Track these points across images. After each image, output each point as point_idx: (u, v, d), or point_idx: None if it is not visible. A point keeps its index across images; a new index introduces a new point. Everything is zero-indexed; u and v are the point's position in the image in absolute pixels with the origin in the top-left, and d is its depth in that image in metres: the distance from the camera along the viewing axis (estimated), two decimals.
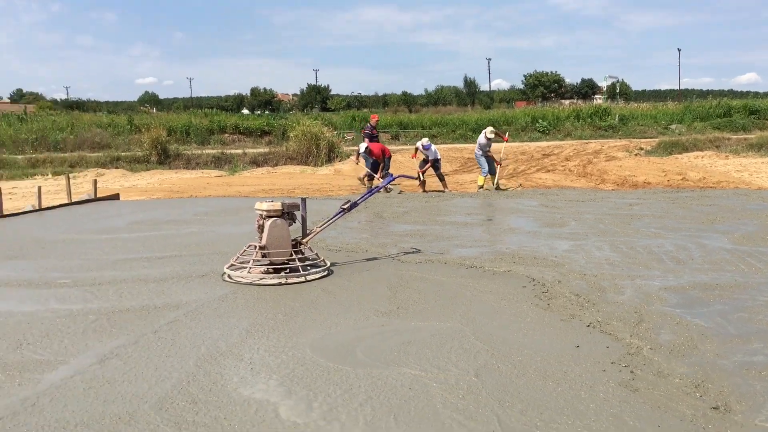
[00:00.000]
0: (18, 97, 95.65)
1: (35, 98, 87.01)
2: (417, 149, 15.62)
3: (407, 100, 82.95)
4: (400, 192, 15.32)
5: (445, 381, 3.63)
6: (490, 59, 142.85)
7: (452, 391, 3.50)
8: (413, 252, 7.32)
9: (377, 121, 17.63)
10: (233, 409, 3.32)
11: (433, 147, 15.40)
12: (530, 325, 4.65)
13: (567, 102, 73.02)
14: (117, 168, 28.42)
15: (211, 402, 3.41)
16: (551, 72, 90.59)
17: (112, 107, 76.29)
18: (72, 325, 4.80)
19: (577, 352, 4.06)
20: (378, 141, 16.84)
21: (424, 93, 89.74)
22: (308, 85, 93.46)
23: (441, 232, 8.75)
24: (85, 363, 4.02)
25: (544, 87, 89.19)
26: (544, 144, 36.40)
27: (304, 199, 6.60)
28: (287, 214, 6.29)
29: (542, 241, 8.00)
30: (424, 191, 15.32)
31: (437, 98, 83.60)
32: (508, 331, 4.52)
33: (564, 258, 6.88)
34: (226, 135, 41.82)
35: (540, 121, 45.63)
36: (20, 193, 18.23)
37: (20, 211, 12.22)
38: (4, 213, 11.68)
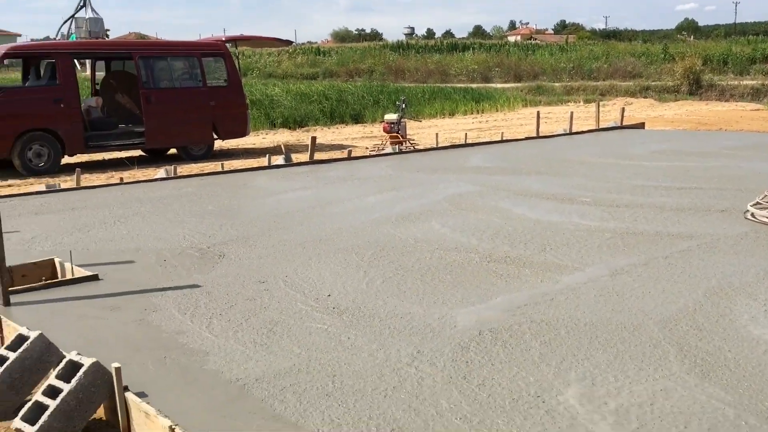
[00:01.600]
0: (561, 28, 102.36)
1: (576, 29, 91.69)
2: None
3: None
4: None
5: None
6: None
7: None
8: None
9: None
10: (739, 345, 3.22)
11: None
12: None
13: None
14: (645, 98, 28.32)
15: (716, 333, 3.36)
16: None
17: (648, 36, 75.17)
18: (589, 238, 5.21)
19: None
20: None
21: None
22: None
23: None
24: (598, 273, 4.37)
25: None
26: None
27: None
28: None
29: None
30: None
31: None
32: None
33: None
34: None
35: None
36: (554, 117, 19.80)
37: (553, 133, 13.41)
38: (540, 134, 12.98)
